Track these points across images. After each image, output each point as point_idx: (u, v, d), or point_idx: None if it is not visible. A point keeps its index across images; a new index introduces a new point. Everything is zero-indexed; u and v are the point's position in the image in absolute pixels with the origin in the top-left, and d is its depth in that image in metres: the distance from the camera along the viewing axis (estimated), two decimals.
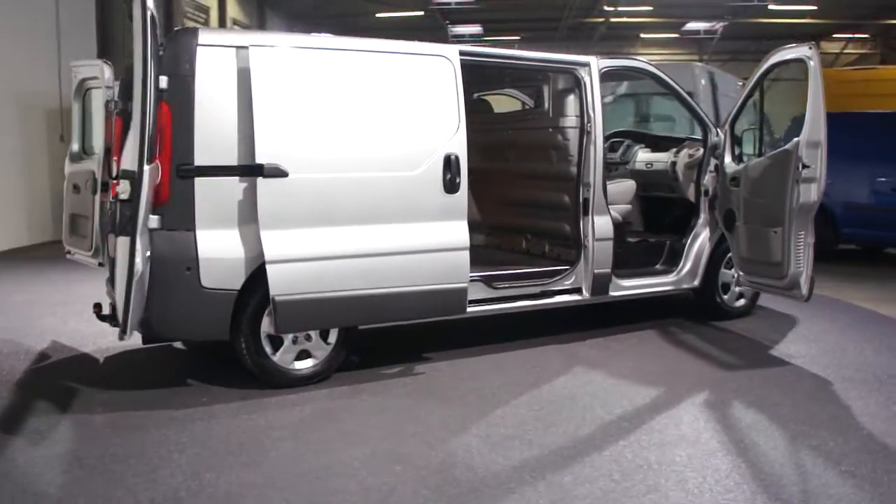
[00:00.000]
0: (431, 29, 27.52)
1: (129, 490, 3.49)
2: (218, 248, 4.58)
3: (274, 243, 4.58)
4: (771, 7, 22.12)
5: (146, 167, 3.80)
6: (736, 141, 6.37)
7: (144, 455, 3.87)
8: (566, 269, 5.93)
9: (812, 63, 5.47)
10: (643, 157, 7.35)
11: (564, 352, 5.76)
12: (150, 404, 4.63)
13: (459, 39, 28.39)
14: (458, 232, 5.14)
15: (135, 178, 3.78)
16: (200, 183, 4.54)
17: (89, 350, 5.77)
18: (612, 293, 6.08)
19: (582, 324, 6.53)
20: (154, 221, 4.47)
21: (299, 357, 4.95)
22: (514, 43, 29.72)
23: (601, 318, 6.65)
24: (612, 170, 7.44)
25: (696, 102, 10.01)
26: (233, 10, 21.65)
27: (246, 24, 22.83)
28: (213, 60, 4.55)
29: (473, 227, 7.37)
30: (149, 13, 3.72)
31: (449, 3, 23.36)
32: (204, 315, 4.63)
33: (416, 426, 4.27)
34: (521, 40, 29.57)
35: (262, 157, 4.54)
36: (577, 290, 5.97)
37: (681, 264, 6.49)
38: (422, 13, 25.33)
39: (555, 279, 5.89)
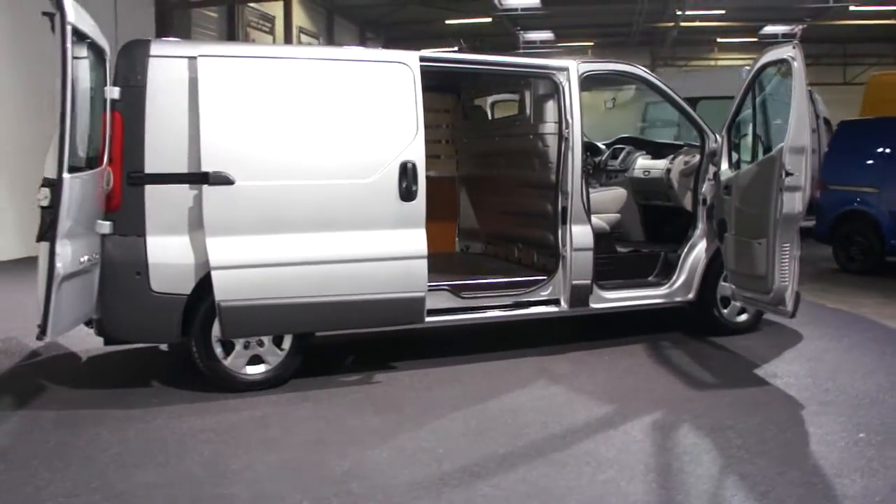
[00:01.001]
0: (501, 35, 27.50)
1: (35, 485, 3.60)
2: (167, 254, 4.68)
3: (220, 249, 4.64)
4: (852, 8, 20.99)
5: (65, 175, 3.91)
6: (734, 147, 6.07)
7: (69, 452, 3.98)
8: (543, 280, 5.78)
9: (796, 64, 5.16)
10: (642, 164, 7.10)
11: (536, 364, 5.60)
12: (104, 403, 4.77)
13: (531, 46, 28.29)
14: (415, 240, 5.07)
15: (55, 186, 3.90)
16: (150, 190, 4.65)
17: (77, 349, 5.98)
18: (594, 305, 5.88)
19: (568, 336, 6.36)
20: (106, 227, 4.62)
21: (252, 362, 5.00)
22: (587, 49, 29.36)
23: (595, 330, 6.46)
24: (612, 177, 7.23)
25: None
26: (299, 19, 22.08)
27: (313, 33, 23.32)
28: (165, 71, 4.66)
29: (473, 236, 7.37)
30: (69, 27, 3.84)
31: (515, 9, 23.20)
32: (154, 318, 4.74)
33: (341, 435, 4.24)
34: (595, 46, 29.17)
35: (208, 165, 4.61)
36: (556, 302, 5.81)
37: (674, 276, 6.22)
38: (490, 20, 25.27)
39: (530, 290, 5.74)
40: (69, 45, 3.84)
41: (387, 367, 5.51)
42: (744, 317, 6.47)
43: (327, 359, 5.70)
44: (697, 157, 6.33)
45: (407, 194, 5.03)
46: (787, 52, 5.25)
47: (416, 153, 5.06)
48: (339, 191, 4.92)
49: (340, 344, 6.10)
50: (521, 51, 27.97)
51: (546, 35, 27.63)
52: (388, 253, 5.01)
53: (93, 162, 4.50)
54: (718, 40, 26.67)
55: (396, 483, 3.63)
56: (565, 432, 4.28)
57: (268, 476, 3.71)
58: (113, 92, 4.59)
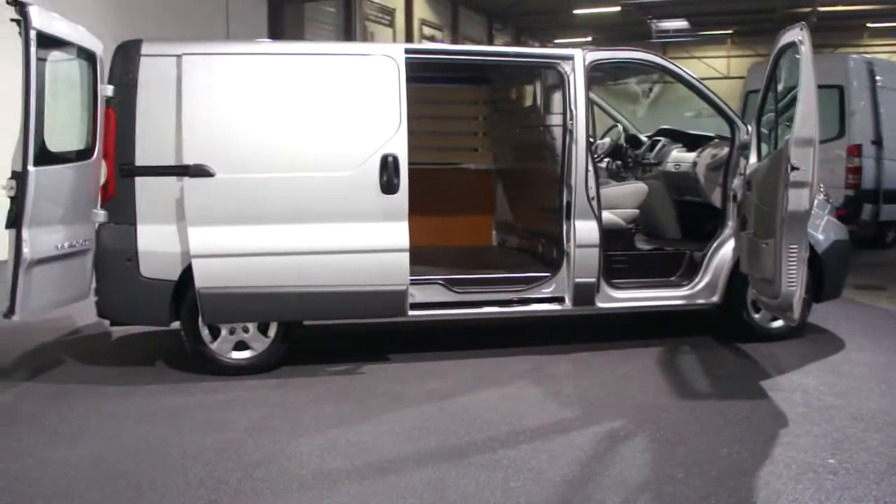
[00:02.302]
0: (631, 24, 26.67)
1: None
2: (156, 242, 4.94)
3: (200, 239, 4.85)
4: None
5: (31, 168, 4.23)
6: (764, 139, 5.60)
7: (20, 423, 4.31)
8: (546, 277, 5.60)
9: (803, 48, 4.71)
10: (674, 157, 6.69)
11: (533, 363, 5.45)
12: (101, 380, 5.12)
13: (664, 35, 27.28)
14: (396, 233, 5.06)
15: (20, 178, 4.23)
16: (140, 181, 4.93)
17: (114, 328, 6.38)
18: (601, 304, 5.63)
19: (590, 334, 6.13)
20: (101, 216, 4.97)
21: (238, 347, 5.19)
22: (725, 38, 27.96)
23: (624, 329, 6.28)
24: (648, 171, 6.87)
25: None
26: (421, 11, 22.30)
27: (437, 25, 23.56)
28: (154, 69, 4.90)
29: (509, 229, 7.25)
30: (33, 31, 4.14)
31: None
32: (144, 302, 5.02)
33: (289, 423, 4.33)
34: (734, 34, 27.71)
35: (189, 158, 4.83)
36: (559, 300, 5.62)
37: (698, 277, 5.84)
38: (619, 9, 24.58)
39: (531, 286, 5.58)
40: (33, 48, 4.15)
41: (381, 359, 5.55)
42: (780, 322, 5.96)
43: (333, 347, 5.84)
44: (726, 150, 5.90)
45: (388, 187, 5.03)
46: (795, 34, 4.81)
47: (399, 146, 5.04)
48: (319, 183, 5.00)
49: (352, 334, 6.21)
50: (654, 40, 27.05)
51: (680, 24, 26.50)
52: (369, 245, 5.04)
53: (84, 154, 4.84)
54: (868, 25, 24.49)
55: (301, 473, 3.67)
56: (508, 435, 4.14)
57: (187, 457, 3.85)
58: (106, 90, 4.91)
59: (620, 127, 7.30)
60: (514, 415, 4.44)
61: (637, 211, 6.30)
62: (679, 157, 6.64)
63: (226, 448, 3.97)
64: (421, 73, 6.63)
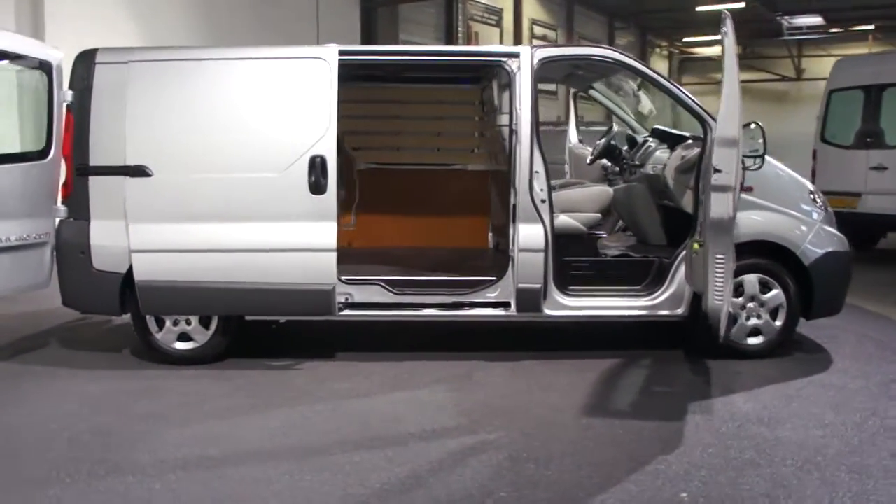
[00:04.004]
0: (760, 21, 25.18)
1: None
2: (107, 236, 5.28)
3: (139, 234, 5.16)
4: None
5: None
6: None
7: None
8: (490, 281, 5.47)
9: (726, 41, 4.34)
10: (655, 158, 6.27)
11: (468, 367, 5.35)
12: (58, 362, 5.56)
13: (797, 32, 25.62)
14: (324, 233, 5.13)
15: None
16: (94, 180, 5.30)
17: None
18: (549, 312, 5.43)
19: (549, 340, 5.92)
20: (62, 212, 5.39)
21: (183, 339, 5.44)
22: (867, 34, 25.85)
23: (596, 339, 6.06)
24: (632, 173, 6.51)
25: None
26: (531, 10, 22.03)
27: (550, 25, 23.25)
28: (107, 75, 5.25)
29: (503, 232, 7.11)
30: None
31: None
32: (97, 293, 5.38)
33: (179, 413, 4.52)
34: (876, 30, 25.54)
35: (130, 159, 5.14)
36: (506, 305, 5.47)
37: (663, 287, 5.49)
38: (743, 4, 23.25)
39: (475, 290, 5.48)
40: None
41: (327, 356, 5.63)
42: (758, 339, 5.50)
43: (293, 342, 6.00)
44: (696, 151, 5.50)
45: (316, 187, 5.11)
46: (722, 26, 4.44)
47: (327, 147, 5.11)
48: (251, 184, 5.16)
49: (324, 330, 6.34)
50: (786, 37, 25.46)
51: (814, 19, 24.71)
52: (297, 244, 5.15)
53: (41, 154, 5.29)
54: None
55: (145, 459, 3.84)
56: (370, 440, 4.08)
57: (64, 437, 4.13)
58: (66, 95, 5.31)
59: (616, 128, 6.96)
60: (399, 420, 4.40)
61: (599, 215, 6.01)
62: (659, 158, 6.24)
63: (104, 432, 4.21)
64: (415, 75, 6.68)
